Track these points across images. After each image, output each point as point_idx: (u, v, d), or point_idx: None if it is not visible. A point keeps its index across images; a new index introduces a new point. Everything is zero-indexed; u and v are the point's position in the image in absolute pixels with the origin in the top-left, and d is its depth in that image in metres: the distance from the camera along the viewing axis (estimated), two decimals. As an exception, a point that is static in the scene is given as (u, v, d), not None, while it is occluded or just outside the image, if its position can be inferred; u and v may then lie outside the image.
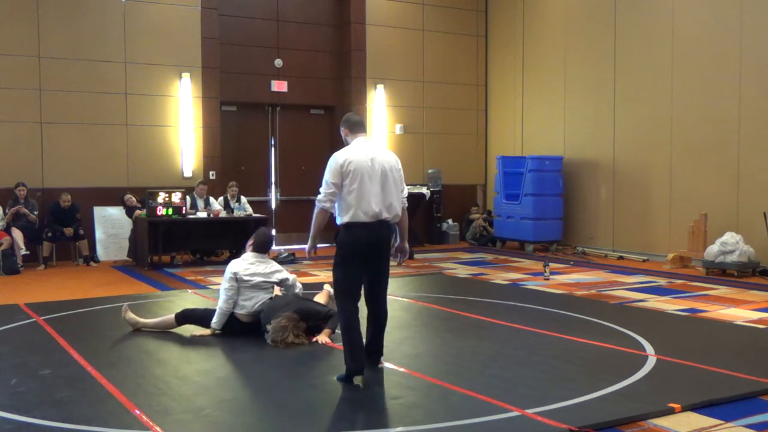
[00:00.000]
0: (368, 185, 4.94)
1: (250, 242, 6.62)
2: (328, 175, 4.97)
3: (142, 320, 6.61)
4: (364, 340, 5.10)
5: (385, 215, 5.01)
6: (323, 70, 14.32)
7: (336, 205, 5.04)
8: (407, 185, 5.43)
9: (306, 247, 5.29)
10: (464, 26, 15.37)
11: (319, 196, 5.01)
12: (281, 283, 6.48)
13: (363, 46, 14.27)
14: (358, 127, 5.22)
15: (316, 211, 5.06)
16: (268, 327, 5.99)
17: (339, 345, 5.90)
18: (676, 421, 4.19)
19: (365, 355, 5.09)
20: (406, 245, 5.33)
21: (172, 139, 12.73)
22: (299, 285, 6.64)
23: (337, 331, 5.91)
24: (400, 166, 5.22)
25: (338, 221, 5.04)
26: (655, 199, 12.03)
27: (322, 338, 6.04)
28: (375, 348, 5.24)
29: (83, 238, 11.50)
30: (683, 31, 11.50)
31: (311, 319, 6.18)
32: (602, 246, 12.90)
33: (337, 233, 5.08)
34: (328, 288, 6.88)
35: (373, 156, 5.03)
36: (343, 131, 5.26)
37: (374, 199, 4.95)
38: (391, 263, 5.26)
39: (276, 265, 6.59)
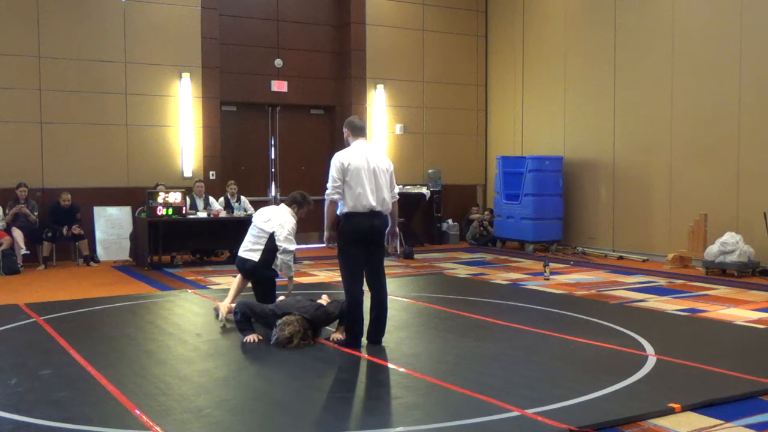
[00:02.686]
0: (365, 182, 5.80)
1: None
2: (334, 172, 5.82)
3: (223, 306, 6.94)
4: (366, 324, 5.97)
5: (378, 208, 5.87)
6: (323, 70, 14.32)
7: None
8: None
9: (324, 237, 6.03)
10: (464, 26, 15.37)
11: (328, 191, 5.84)
12: (274, 235, 6.85)
13: (363, 46, 14.27)
14: (360, 131, 6.05)
15: (326, 204, 5.90)
16: (276, 328, 5.98)
17: (341, 347, 5.95)
18: (676, 421, 4.19)
19: (368, 335, 5.96)
20: (396, 229, 6.21)
21: (172, 139, 12.73)
22: (290, 248, 6.83)
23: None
24: (392, 168, 6.09)
25: (339, 212, 5.87)
26: (655, 199, 12.02)
27: (337, 336, 6.08)
28: (377, 329, 5.96)
29: (83, 238, 11.51)
30: (683, 31, 11.50)
31: (322, 325, 6.21)
32: (602, 246, 12.90)
33: (338, 223, 5.89)
34: (326, 297, 6.89)
35: (369, 158, 5.89)
36: (345, 132, 6.09)
37: (370, 194, 5.81)
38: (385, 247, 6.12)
39: (286, 218, 6.93)
